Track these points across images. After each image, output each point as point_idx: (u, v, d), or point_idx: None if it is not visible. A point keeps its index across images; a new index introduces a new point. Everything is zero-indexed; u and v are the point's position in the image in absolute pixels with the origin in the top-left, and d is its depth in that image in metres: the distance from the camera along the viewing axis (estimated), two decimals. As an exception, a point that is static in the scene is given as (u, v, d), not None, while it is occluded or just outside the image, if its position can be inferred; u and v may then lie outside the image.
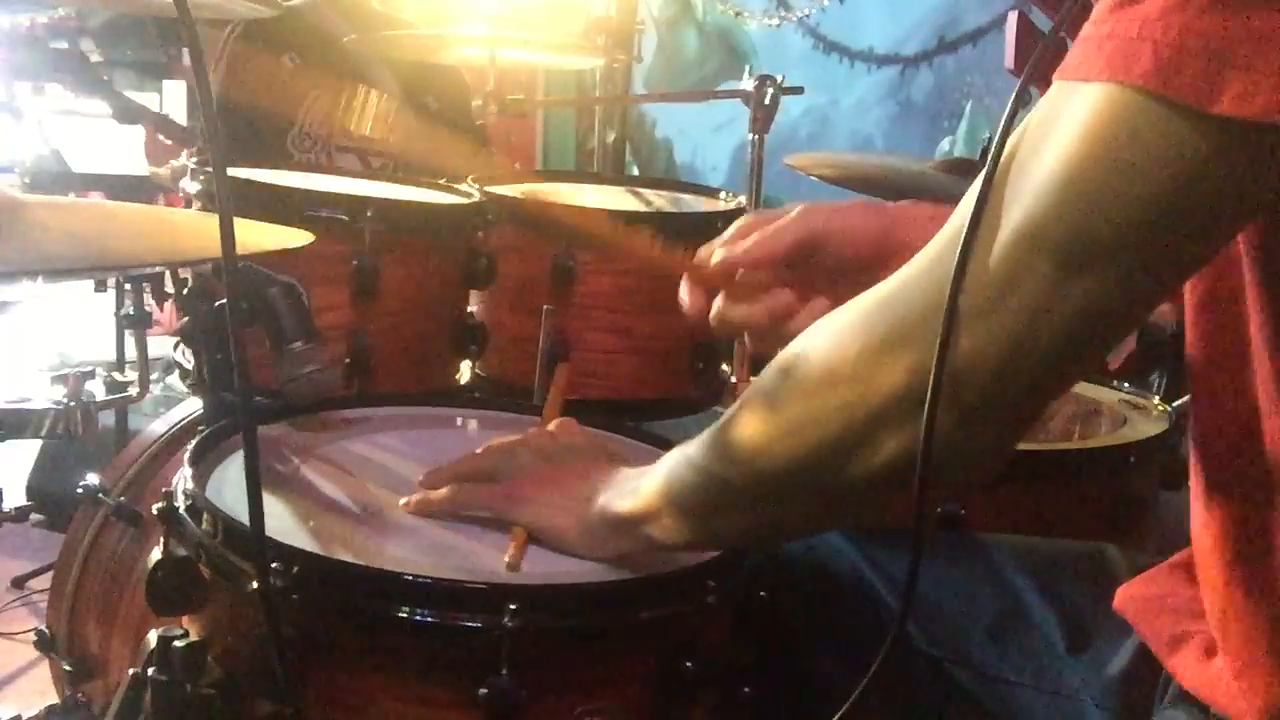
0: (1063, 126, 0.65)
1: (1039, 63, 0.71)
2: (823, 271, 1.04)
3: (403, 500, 1.05)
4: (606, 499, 0.97)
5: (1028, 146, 0.68)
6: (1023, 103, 0.71)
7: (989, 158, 0.69)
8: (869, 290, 0.76)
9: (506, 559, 0.96)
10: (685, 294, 1.10)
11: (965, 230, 0.69)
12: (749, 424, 0.82)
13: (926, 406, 0.70)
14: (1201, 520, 0.83)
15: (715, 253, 1.07)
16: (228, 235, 0.75)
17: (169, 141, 2.64)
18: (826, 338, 0.78)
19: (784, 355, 0.81)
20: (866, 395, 0.73)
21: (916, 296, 0.72)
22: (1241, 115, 0.59)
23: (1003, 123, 0.69)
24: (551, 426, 1.10)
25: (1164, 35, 0.61)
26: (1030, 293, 0.67)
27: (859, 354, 0.74)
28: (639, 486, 0.94)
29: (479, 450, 1.07)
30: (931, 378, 0.69)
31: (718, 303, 1.08)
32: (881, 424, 0.73)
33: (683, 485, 0.89)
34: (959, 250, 0.68)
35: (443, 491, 1.04)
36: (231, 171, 1.54)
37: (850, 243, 1.04)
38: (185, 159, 1.58)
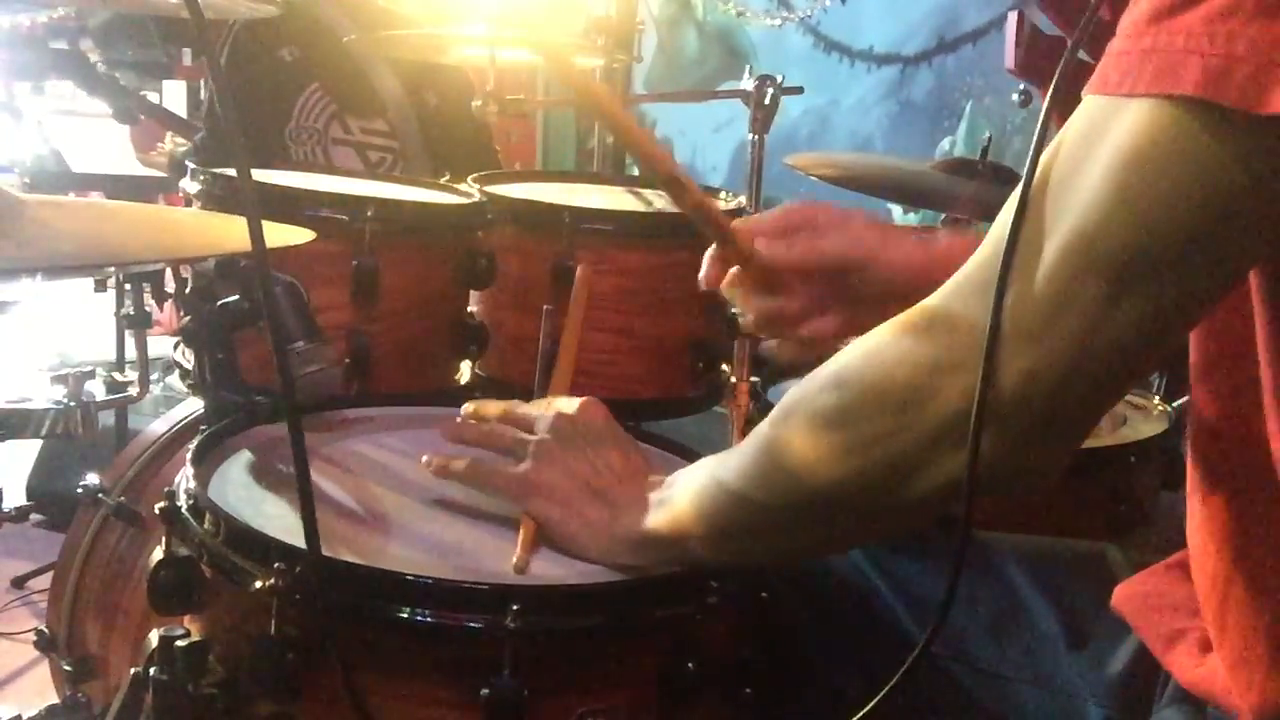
0: (1109, 143, 0.65)
1: (1061, 83, 0.70)
2: (852, 288, 1.04)
3: (425, 457, 1.05)
4: (631, 516, 0.96)
5: (1068, 163, 0.67)
6: (1047, 131, 0.70)
7: (1024, 175, 0.68)
8: (911, 310, 0.76)
9: (514, 560, 0.96)
10: (707, 263, 1.11)
11: (1004, 253, 0.68)
12: (791, 448, 0.81)
13: (971, 432, 0.70)
14: (1199, 517, 0.84)
15: (757, 240, 1.08)
16: (257, 235, 0.75)
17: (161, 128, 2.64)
18: (872, 360, 0.77)
19: (823, 378, 0.80)
20: (920, 419, 0.73)
21: (965, 318, 0.71)
22: None
23: (1034, 142, 0.68)
24: (574, 408, 1.06)
25: (1211, 45, 0.60)
26: (1083, 312, 0.66)
27: (908, 378, 0.74)
28: (668, 503, 0.93)
29: (502, 412, 1.06)
30: (975, 404, 0.69)
31: (732, 276, 1.10)
32: (936, 446, 0.73)
33: (717, 510, 0.88)
34: (999, 274, 0.68)
35: (462, 461, 1.04)
36: (233, 172, 1.54)
37: (890, 270, 1.05)
38: (170, 142, 1.57)
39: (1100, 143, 0.65)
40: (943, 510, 0.76)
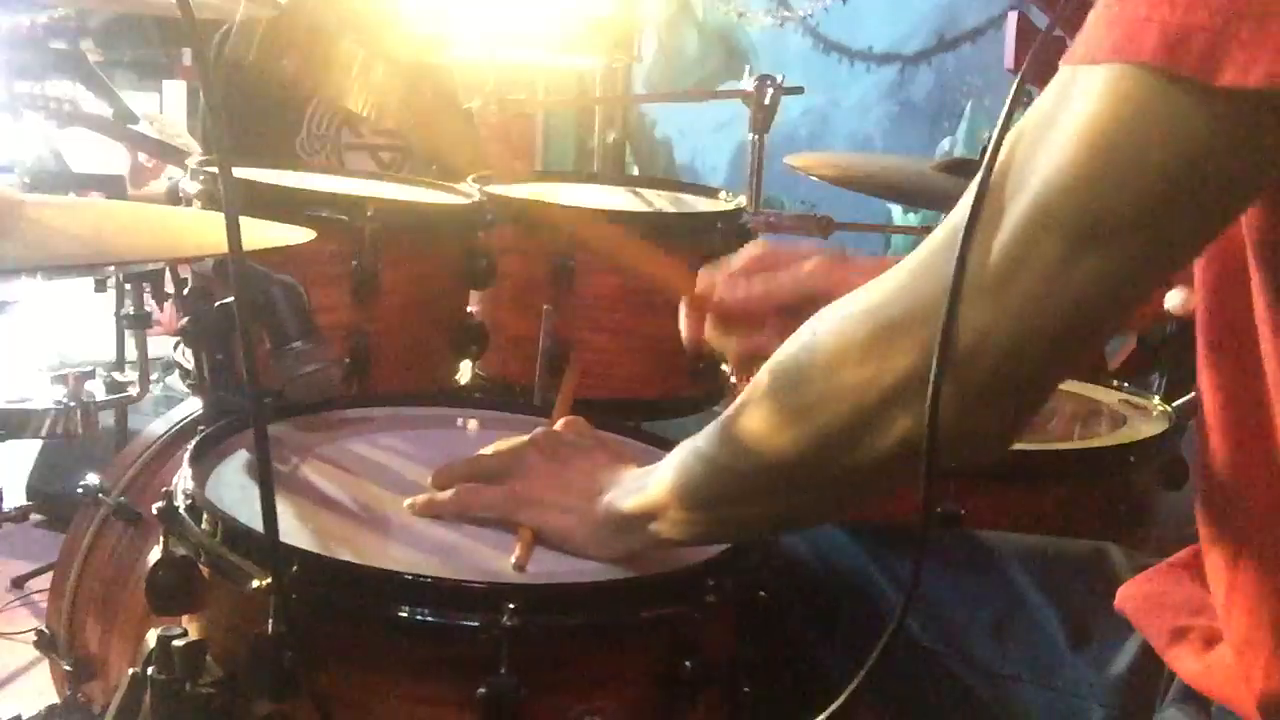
0: (1072, 108, 0.66)
1: (1036, 59, 0.72)
2: None
3: (407, 501, 1.05)
4: (612, 497, 0.97)
5: (1035, 129, 0.68)
6: (1020, 100, 0.72)
7: (992, 138, 0.70)
8: (875, 279, 0.77)
9: (513, 559, 0.96)
10: (683, 321, 1.15)
11: (970, 210, 0.69)
12: (759, 411, 0.82)
13: (931, 384, 0.70)
14: (1208, 504, 0.84)
15: (718, 284, 1.11)
16: (234, 232, 0.75)
17: (151, 164, 2.63)
18: (835, 323, 0.78)
19: (792, 342, 0.81)
20: (877, 376, 0.74)
21: (927, 280, 0.72)
22: (1243, 85, 0.60)
23: (1002, 117, 0.70)
24: (559, 425, 1.10)
25: (1171, 14, 0.61)
26: (1040, 270, 0.67)
27: (869, 337, 0.75)
28: (646, 483, 0.94)
29: (486, 450, 1.07)
30: (935, 355, 0.70)
31: (708, 327, 1.13)
32: (892, 404, 0.74)
33: (692, 478, 0.89)
34: (964, 229, 0.69)
35: (448, 493, 1.04)
36: (234, 172, 1.54)
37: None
38: (184, 169, 1.57)
39: (1065, 109, 0.66)
40: (904, 476, 0.76)
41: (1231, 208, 0.68)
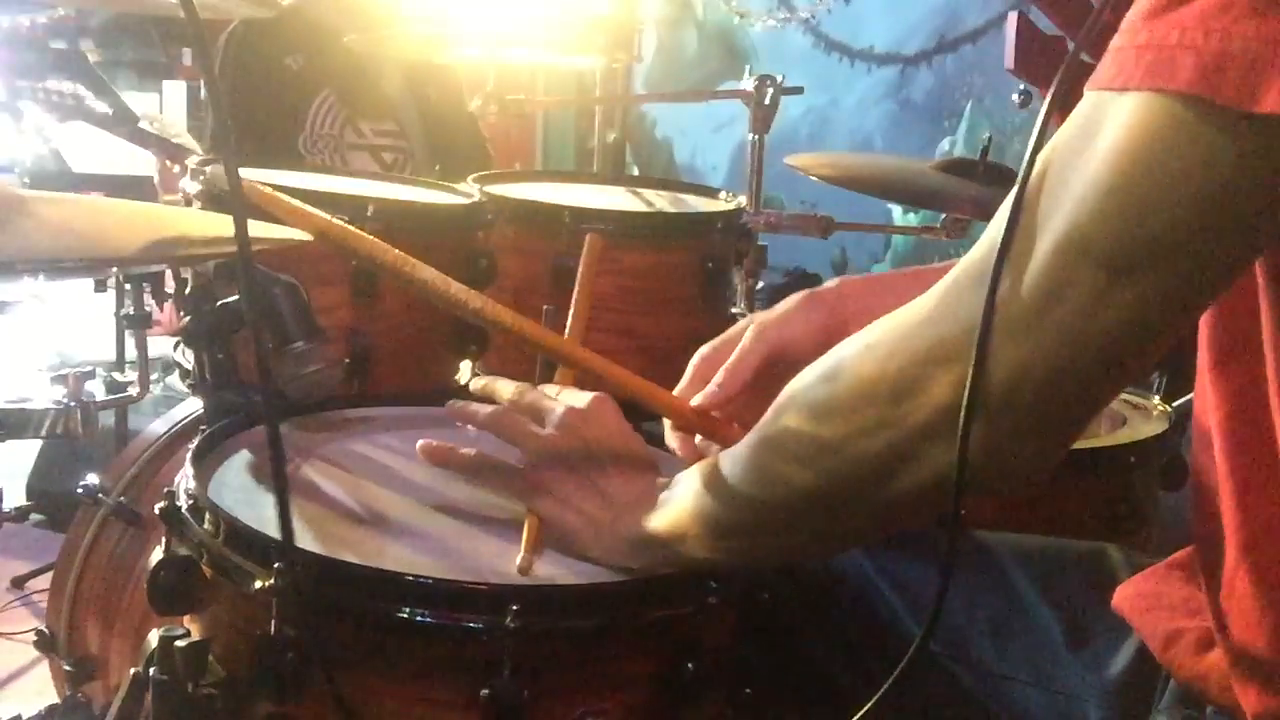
0: (1104, 136, 0.65)
1: (1063, 84, 0.70)
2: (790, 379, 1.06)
3: (421, 442, 1.04)
4: (632, 514, 0.95)
5: (1064, 157, 0.67)
6: (1047, 127, 0.70)
7: (1021, 169, 0.69)
8: (904, 307, 0.76)
9: (518, 561, 0.96)
10: (672, 441, 1.13)
11: (1000, 243, 0.68)
12: (783, 444, 0.81)
13: (961, 421, 0.70)
14: (1206, 509, 0.84)
15: (692, 397, 1.11)
16: (242, 233, 0.75)
17: (177, 168, 2.64)
18: (863, 355, 0.77)
19: (817, 371, 0.80)
20: (911, 411, 0.73)
21: (960, 312, 0.71)
22: None
23: (1033, 140, 0.69)
24: (584, 403, 1.05)
25: (1205, 42, 0.61)
26: (1076, 302, 0.66)
27: (900, 370, 0.74)
28: (669, 502, 0.93)
29: (512, 398, 1.05)
30: (966, 392, 0.69)
31: (698, 441, 1.12)
32: (926, 439, 0.73)
33: (715, 507, 0.88)
34: (994, 263, 0.68)
35: (468, 453, 1.03)
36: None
37: (802, 347, 1.07)
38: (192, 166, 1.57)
39: (1096, 137, 0.66)
40: (933, 509, 0.75)
41: (1268, 233, 0.67)
